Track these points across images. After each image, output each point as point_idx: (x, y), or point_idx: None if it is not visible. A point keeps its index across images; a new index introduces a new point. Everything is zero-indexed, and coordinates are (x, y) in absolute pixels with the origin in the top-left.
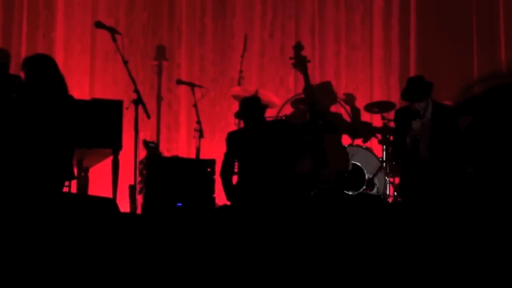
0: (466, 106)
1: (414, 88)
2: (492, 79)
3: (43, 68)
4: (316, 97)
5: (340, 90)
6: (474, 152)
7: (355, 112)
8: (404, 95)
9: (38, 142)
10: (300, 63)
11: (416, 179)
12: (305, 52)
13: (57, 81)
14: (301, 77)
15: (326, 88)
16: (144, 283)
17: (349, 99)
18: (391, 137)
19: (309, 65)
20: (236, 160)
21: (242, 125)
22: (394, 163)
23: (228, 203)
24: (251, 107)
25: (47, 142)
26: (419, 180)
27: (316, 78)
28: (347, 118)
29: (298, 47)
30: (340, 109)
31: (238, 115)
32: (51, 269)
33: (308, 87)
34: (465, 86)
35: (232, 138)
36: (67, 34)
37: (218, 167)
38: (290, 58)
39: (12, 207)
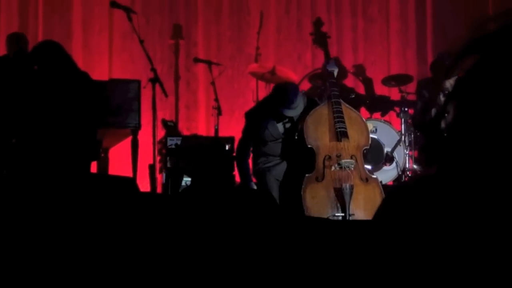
0: (475, 45)
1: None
2: (509, 16)
3: (48, 54)
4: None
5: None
6: (479, 96)
7: (368, 83)
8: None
9: (61, 124)
10: (320, 39)
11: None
12: (322, 28)
13: (65, 62)
14: (318, 53)
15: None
16: (164, 262)
17: (360, 70)
18: (410, 110)
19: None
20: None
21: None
22: (417, 131)
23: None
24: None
25: (70, 123)
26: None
27: (333, 53)
28: (361, 92)
29: (318, 23)
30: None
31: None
32: (72, 247)
33: (328, 61)
34: (477, 23)
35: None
36: (85, 14)
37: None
38: (310, 34)
39: (39, 190)
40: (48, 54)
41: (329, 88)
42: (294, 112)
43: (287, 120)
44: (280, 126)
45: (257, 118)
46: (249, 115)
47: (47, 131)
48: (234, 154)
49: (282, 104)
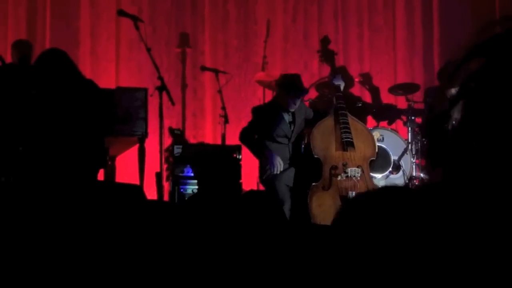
0: (481, 48)
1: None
2: None
3: (53, 62)
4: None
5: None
6: (484, 99)
7: (375, 91)
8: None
9: (67, 132)
10: (327, 57)
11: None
12: (329, 36)
13: (70, 70)
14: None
15: (341, 73)
16: (170, 269)
17: (366, 79)
18: (417, 119)
19: (333, 48)
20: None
21: None
22: (424, 140)
23: (255, 188)
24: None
25: (76, 130)
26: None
27: (340, 62)
28: (367, 100)
29: (325, 41)
30: (363, 92)
31: None
32: (78, 254)
33: (334, 76)
34: (484, 26)
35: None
36: (92, 22)
37: (244, 153)
38: (318, 51)
39: (45, 197)
40: (53, 62)
41: (335, 101)
42: (305, 92)
43: (292, 119)
44: (288, 125)
45: (264, 114)
46: (256, 111)
47: (53, 138)
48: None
49: (294, 88)
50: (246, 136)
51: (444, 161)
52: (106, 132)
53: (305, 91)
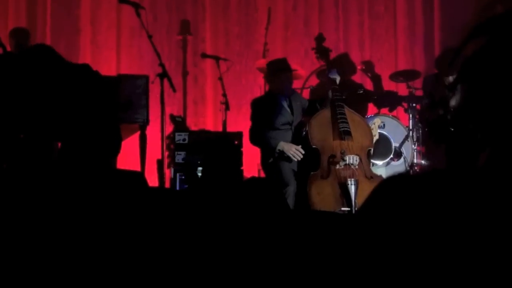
0: (482, 27)
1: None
2: None
3: (39, 55)
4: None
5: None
6: (484, 79)
7: (376, 79)
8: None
9: (66, 118)
10: (322, 55)
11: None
12: (329, 24)
13: (57, 59)
14: None
15: (343, 60)
16: (171, 256)
17: (368, 66)
18: (418, 106)
19: (334, 36)
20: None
21: None
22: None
23: (256, 175)
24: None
25: (74, 116)
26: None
27: (340, 49)
28: (369, 87)
29: (320, 39)
30: (364, 79)
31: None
32: (77, 242)
33: (330, 70)
34: (485, 6)
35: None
36: (93, 10)
37: (245, 140)
38: (312, 49)
39: (45, 184)
40: (38, 52)
41: (331, 94)
42: (290, 69)
43: (289, 104)
44: (288, 110)
45: (263, 104)
46: (255, 103)
47: (51, 124)
48: (244, 147)
49: (282, 67)
50: (255, 135)
51: (446, 142)
52: (111, 117)
53: (291, 69)
